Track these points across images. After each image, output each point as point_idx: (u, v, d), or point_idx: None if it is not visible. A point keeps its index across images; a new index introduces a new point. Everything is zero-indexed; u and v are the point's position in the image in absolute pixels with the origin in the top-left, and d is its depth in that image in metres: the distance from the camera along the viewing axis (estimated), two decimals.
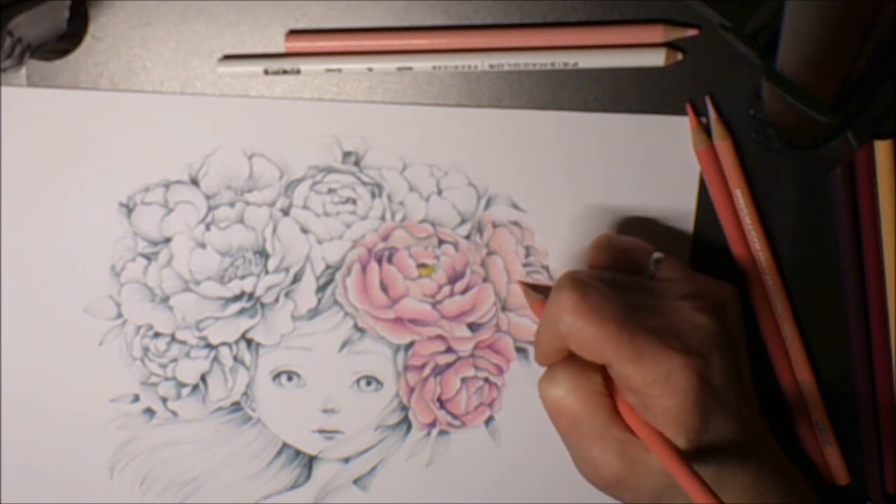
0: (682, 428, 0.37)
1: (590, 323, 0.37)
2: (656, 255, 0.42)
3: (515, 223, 0.45)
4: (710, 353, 0.38)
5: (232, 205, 0.46)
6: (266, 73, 0.44)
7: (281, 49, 0.45)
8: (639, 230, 0.44)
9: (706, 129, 0.44)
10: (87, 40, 0.45)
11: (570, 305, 0.37)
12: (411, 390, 0.46)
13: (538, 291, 0.44)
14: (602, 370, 0.39)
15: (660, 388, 0.37)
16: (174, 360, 0.47)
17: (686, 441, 0.37)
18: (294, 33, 0.45)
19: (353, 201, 0.45)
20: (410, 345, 0.46)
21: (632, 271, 0.42)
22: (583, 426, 0.39)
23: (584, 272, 0.40)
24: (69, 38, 0.45)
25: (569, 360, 0.39)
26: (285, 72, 0.44)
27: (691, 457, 0.37)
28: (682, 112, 0.44)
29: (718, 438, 0.38)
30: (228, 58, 0.45)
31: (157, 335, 0.46)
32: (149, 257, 0.46)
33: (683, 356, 0.37)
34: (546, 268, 0.45)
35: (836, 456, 0.45)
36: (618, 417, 0.38)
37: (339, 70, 0.44)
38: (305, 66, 0.44)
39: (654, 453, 0.37)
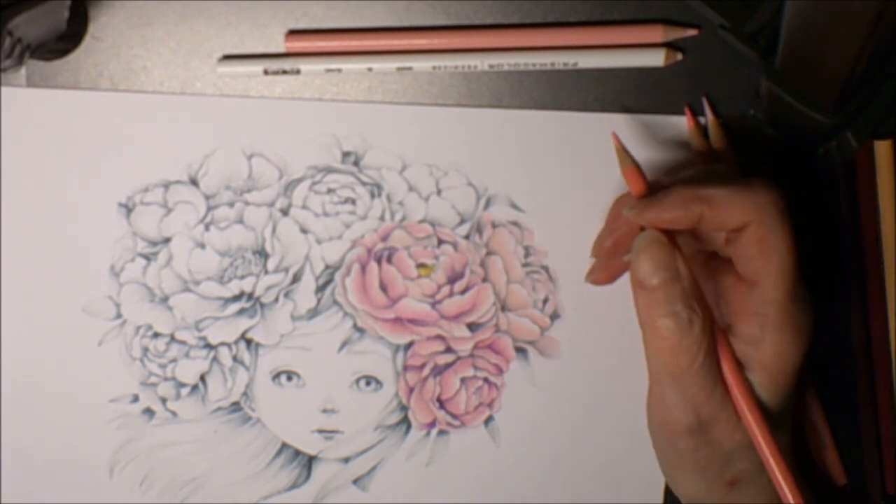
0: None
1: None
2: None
3: (515, 223, 0.45)
4: None
5: (231, 205, 0.46)
6: (266, 73, 0.44)
7: (281, 49, 0.45)
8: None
9: (705, 130, 0.44)
10: (87, 40, 0.45)
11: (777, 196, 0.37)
12: (411, 390, 0.46)
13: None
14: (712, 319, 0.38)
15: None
16: (173, 361, 0.47)
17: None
18: (294, 33, 0.45)
19: (353, 201, 0.45)
20: (410, 345, 0.46)
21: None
22: (701, 369, 0.37)
23: None
24: (69, 38, 0.45)
25: (687, 296, 0.37)
26: (285, 72, 0.44)
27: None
28: (682, 112, 0.44)
29: None
30: (228, 58, 0.45)
31: (156, 335, 0.46)
32: (148, 257, 0.46)
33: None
34: (546, 268, 0.45)
35: (833, 456, 0.45)
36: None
37: (339, 70, 0.44)
38: (305, 66, 0.44)
39: (745, 424, 0.37)
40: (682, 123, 0.44)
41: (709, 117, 0.44)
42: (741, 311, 0.38)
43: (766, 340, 0.37)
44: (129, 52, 0.45)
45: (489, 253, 0.45)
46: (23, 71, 0.45)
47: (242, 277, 0.46)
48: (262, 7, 0.45)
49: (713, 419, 0.38)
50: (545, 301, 0.45)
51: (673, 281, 0.37)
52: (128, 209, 0.46)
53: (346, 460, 0.47)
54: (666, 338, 0.37)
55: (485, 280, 0.46)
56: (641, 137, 0.44)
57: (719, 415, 0.37)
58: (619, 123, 0.44)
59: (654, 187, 0.38)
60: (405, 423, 0.47)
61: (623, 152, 0.39)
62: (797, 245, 0.37)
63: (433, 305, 0.46)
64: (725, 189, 0.37)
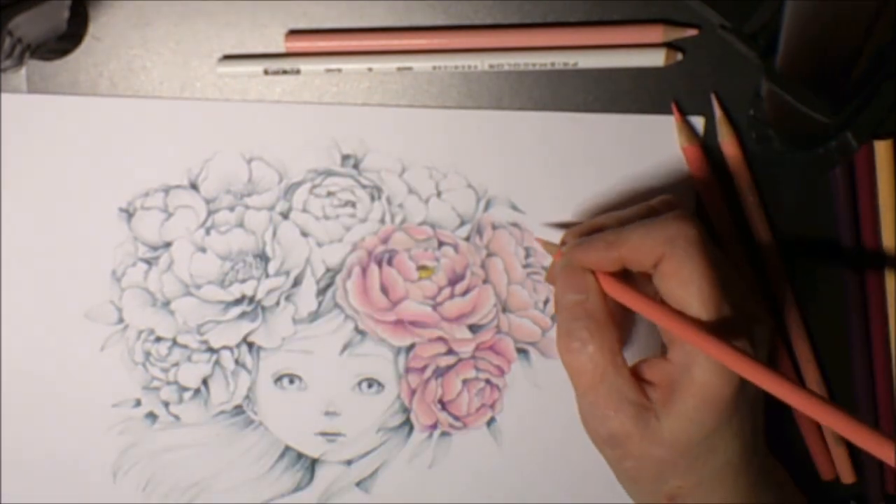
0: None
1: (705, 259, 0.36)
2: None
3: (515, 225, 0.45)
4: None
5: (232, 209, 0.46)
6: (266, 73, 0.44)
7: (281, 49, 0.45)
8: None
9: (710, 127, 0.44)
10: (87, 40, 0.45)
11: (688, 227, 0.37)
12: (413, 392, 0.46)
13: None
14: (616, 330, 0.38)
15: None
16: (176, 365, 0.47)
17: None
18: (294, 33, 0.45)
19: (353, 204, 0.45)
20: (411, 347, 0.46)
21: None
22: (602, 386, 0.38)
23: None
24: (69, 38, 0.45)
25: (588, 317, 0.38)
26: (285, 72, 0.44)
27: None
28: (682, 112, 0.44)
29: None
30: (228, 58, 0.45)
31: (158, 339, 0.47)
32: (149, 262, 0.46)
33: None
34: (546, 269, 0.45)
35: (843, 454, 0.45)
36: (635, 380, 0.38)
37: (339, 70, 0.44)
38: (305, 66, 0.44)
39: (677, 333, 0.36)
40: None
41: (717, 114, 0.43)
42: (670, 338, 0.38)
43: (693, 368, 0.36)
44: (129, 52, 0.45)
45: (490, 254, 0.45)
46: (23, 71, 0.45)
47: (243, 281, 0.46)
48: (262, 7, 0.44)
49: (626, 434, 0.38)
50: (546, 302, 0.46)
51: (577, 304, 0.39)
52: (128, 214, 0.46)
53: (349, 463, 0.47)
54: (564, 354, 0.39)
55: (485, 282, 0.46)
56: (642, 138, 0.44)
57: (631, 430, 0.37)
58: (619, 124, 0.44)
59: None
60: (407, 424, 0.47)
61: (548, 245, 0.44)
62: (719, 271, 0.36)
63: (434, 307, 0.46)
64: (639, 229, 0.38)
